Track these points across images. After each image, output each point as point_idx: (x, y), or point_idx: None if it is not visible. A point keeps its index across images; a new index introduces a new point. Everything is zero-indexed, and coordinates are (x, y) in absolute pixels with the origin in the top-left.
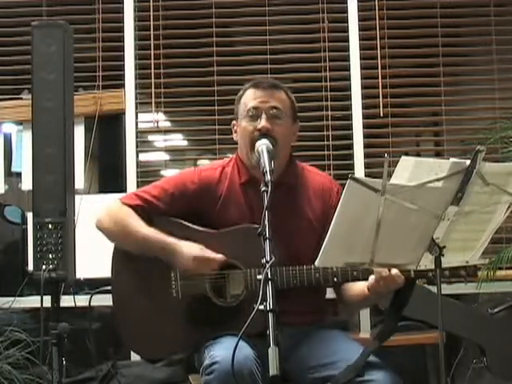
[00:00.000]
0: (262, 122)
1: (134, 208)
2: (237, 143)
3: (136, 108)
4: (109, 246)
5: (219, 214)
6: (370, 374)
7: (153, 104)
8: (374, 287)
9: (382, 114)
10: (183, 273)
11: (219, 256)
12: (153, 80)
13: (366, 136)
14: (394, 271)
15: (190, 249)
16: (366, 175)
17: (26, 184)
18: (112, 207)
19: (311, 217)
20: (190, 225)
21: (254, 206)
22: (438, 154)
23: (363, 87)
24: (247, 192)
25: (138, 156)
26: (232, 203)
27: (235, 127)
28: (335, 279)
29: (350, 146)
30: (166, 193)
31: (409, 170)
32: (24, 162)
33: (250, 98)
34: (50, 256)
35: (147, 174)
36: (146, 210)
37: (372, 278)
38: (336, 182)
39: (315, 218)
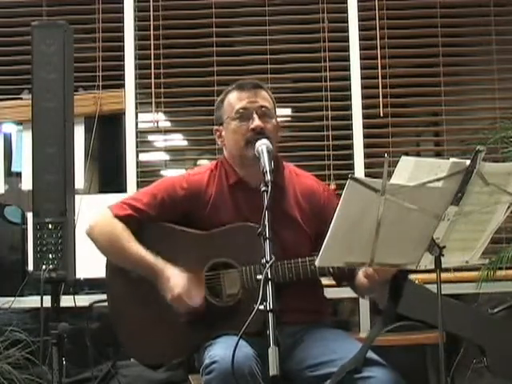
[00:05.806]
0: (256, 122)
1: (126, 219)
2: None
3: (136, 108)
4: None
5: (209, 216)
6: (370, 371)
7: (153, 104)
8: (366, 279)
9: (381, 114)
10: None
11: (198, 300)
12: (153, 80)
13: (365, 136)
14: None
15: (175, 283)
16: (366, 175)
17: (26, 184)
18: (103, 220)
19: (300, 219)
20: (182, 228)
21: (242, 208)
22: (438, 154)
23: (363, 87)
24: (236, 194)
25: (137, 156)
26: (221, 205)
27: (218, 132)
28: (331, 270)
29: (350, 146)
30: (156, 199)
31: (409, 170)
32: (24, 162)
33: (235, 99)
34: (50, 256)
35: (147, 174)
36: (137, 219)
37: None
38: (321, 182)
39: (304, 219)
